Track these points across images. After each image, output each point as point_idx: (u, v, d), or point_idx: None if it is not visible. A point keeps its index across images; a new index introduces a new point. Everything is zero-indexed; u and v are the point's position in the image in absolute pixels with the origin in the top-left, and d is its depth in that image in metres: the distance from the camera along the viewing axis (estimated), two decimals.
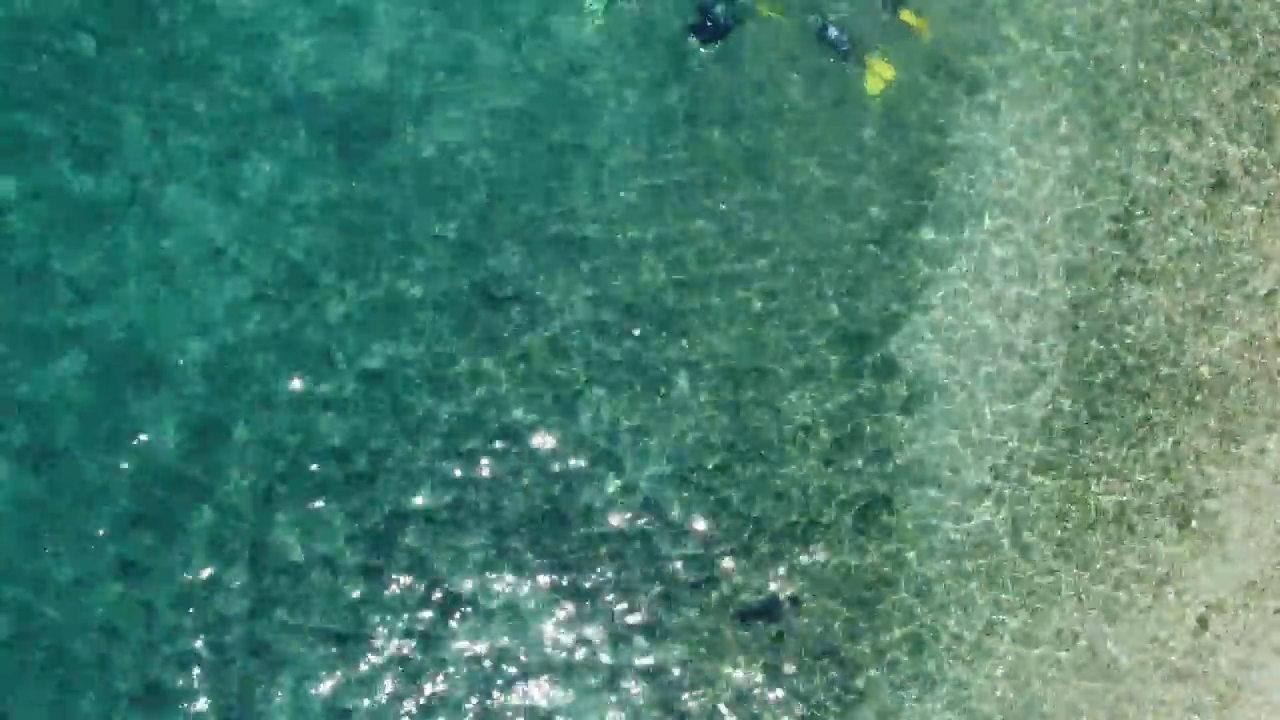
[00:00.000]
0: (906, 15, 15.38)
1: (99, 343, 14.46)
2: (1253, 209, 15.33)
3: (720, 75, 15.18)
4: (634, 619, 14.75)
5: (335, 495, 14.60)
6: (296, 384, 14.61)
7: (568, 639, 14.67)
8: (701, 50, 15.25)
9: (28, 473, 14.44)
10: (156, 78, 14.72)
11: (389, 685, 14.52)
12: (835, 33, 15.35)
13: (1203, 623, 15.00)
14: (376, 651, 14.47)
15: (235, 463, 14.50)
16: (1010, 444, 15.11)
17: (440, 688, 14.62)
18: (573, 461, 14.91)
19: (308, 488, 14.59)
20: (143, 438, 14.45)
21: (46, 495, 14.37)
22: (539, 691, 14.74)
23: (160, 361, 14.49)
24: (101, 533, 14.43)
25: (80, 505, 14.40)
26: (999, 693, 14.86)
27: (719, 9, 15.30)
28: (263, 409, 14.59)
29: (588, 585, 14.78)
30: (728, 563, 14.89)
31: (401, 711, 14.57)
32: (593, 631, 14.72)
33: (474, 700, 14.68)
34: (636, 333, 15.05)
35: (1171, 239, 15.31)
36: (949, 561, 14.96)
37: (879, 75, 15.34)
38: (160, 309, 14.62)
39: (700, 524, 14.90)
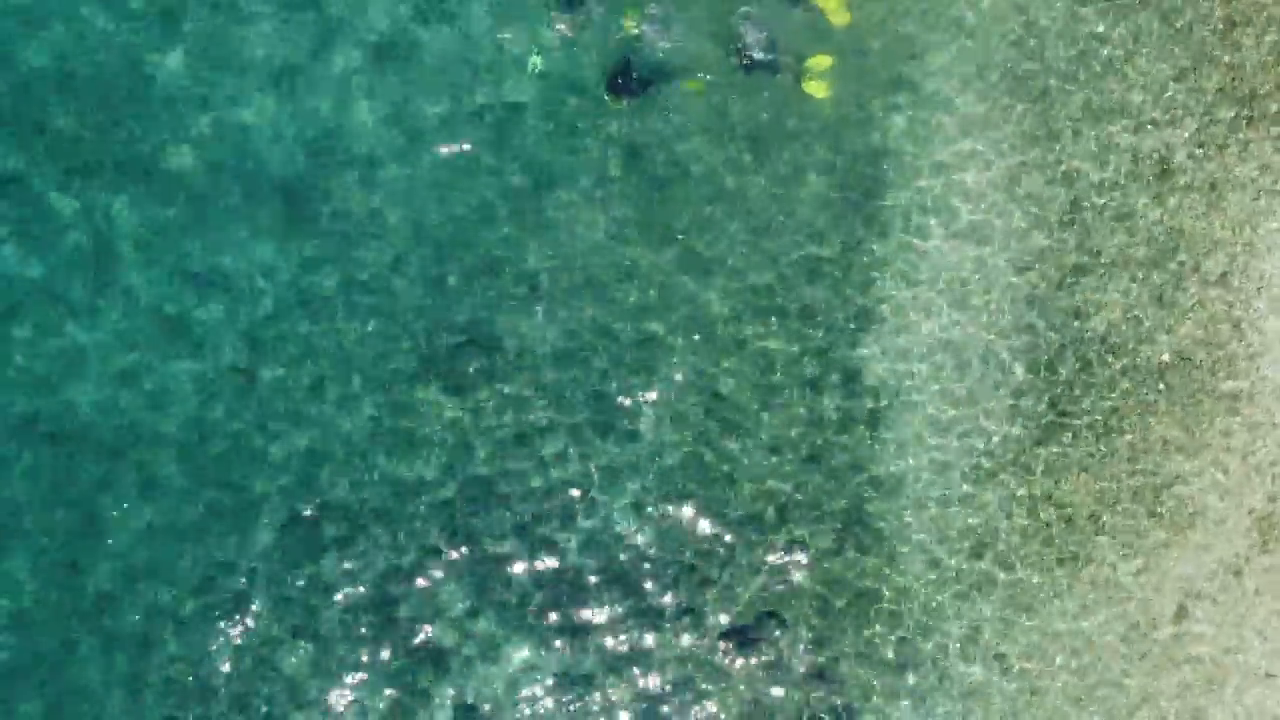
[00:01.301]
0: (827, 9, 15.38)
1: (59, 427, 14.54)
2: (1199, 193, 15.31)
3: (658, 105, 15.17)
4: (621, 649, 14.88)
5: (309, 553, 14.79)
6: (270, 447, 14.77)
7: (557, 674, 14.84)
8: (618, 105, 15.24)
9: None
10: (97, 152, 14.78)
11: None
12: (757, 34, 15.39)
13: (1183, 610, 15.06)
14: (360, 699, 14.68)
15: (212, 525, 14.71)
16: (979, 448, 15.13)
17: None
18: (545, 502, 15.04)
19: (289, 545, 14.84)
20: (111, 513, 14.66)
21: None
22: None
23: (123, 437, 14.62)
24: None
25: None
26: (989, 695, 14.97)
27: (635, 67, 15.25)
28: (225, 480, 14.74)
29: (573, 621, 14.88)
30: (708, 589, 14.98)
31: None
32: (582, 665, 14.85)
33: None
34: (597, 369, 15.11)
35: (1121, 228, 15.28)
36: (929, 570, 15.02)
37: (817, 81, 15.37)
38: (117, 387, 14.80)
39: (677, 552, 14.99)
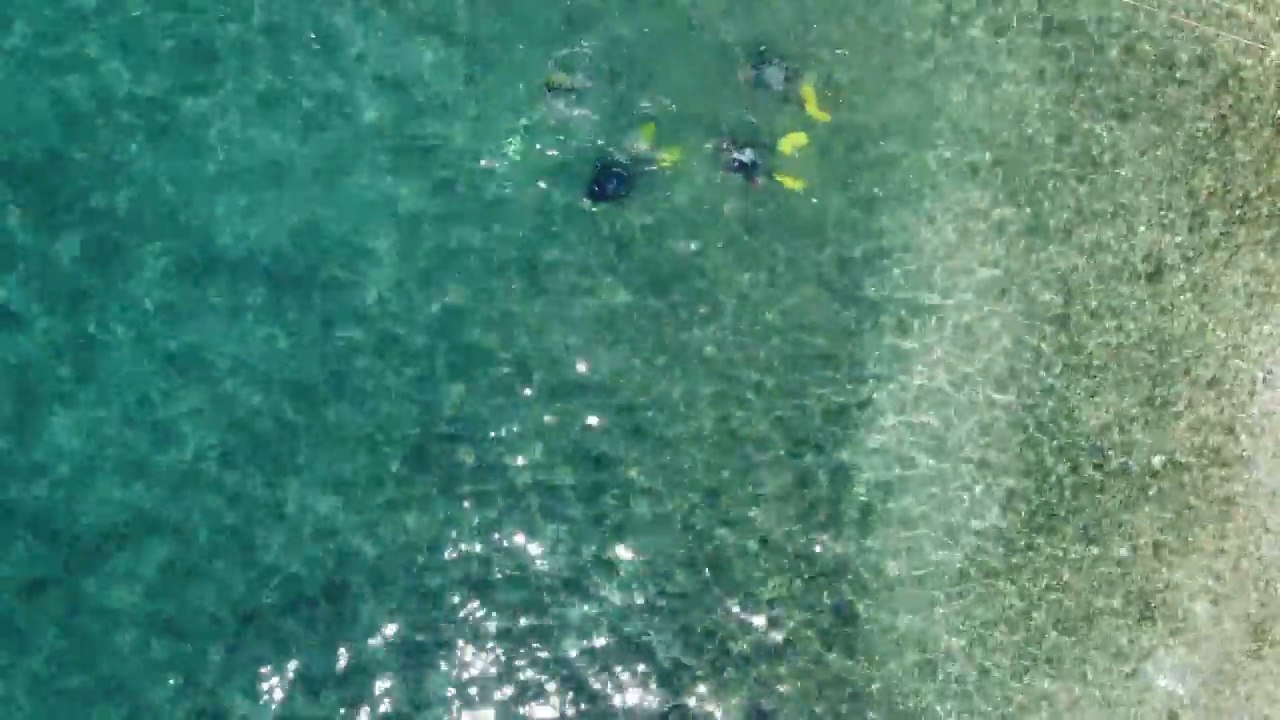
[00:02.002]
0: (810, 106, 15.34)
1: (46, 515, 14.41)
2: (1191, 294, 15.26)
3: (645, 204, 15.10)
4: None
5: (300, 640, 14.66)
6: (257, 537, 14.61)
7: None
8: (594, 210, 15.17)
9: None
10: (80, 239, 14.75)
11: None
12: (749, 154, 15.28)
13: (1174, 717, 14.94)
14: None
15: (199, 604, 14.57)
16: (968, 549, 15.03)
17: None
18: (536, 593, 14.92)
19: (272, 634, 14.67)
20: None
21: None
22: None
23: (103, 526, 14.47)
24: None
25: None
26: None
27: (613, 172, 15.13)
28: (216, 562, 14.58)
29: (560, 716, 14.75)
30: (699, 685, 14.84)
31: None
32: None
33: None
34: (590, 462, 15.01)
35: (1113, 330, 15.23)
36: (917, 671, 14.90)
37: (793, 179, 15.32)
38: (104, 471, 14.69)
39: (666, 647, 14.85)
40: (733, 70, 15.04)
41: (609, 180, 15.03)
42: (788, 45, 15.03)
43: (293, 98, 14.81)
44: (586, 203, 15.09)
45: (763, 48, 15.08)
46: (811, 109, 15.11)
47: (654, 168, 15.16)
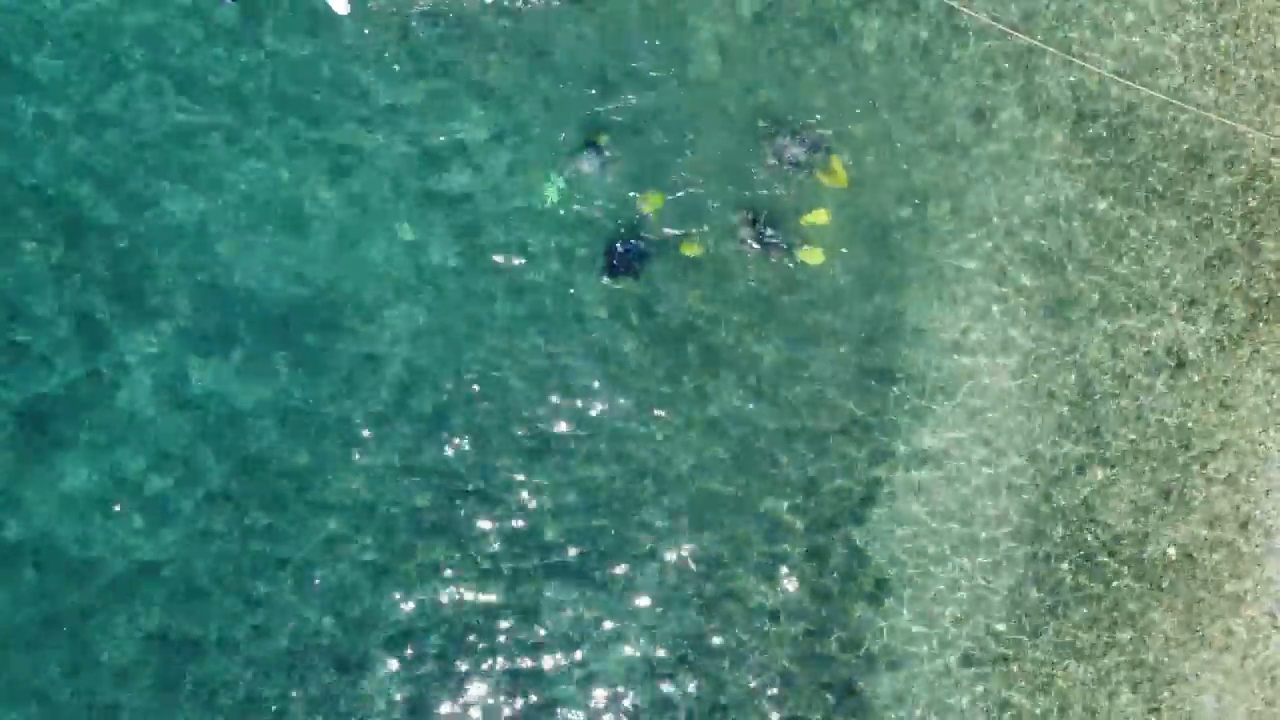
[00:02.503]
0: (824, 175, 15.30)
1: (50, 557, 14.47)
2: (1212, 389, 15.27)
3: (669, 273, 15.13)
4: None
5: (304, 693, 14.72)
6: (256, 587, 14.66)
7: None
8: (615, 285, 15.20)
9: None
10: (102, 283, 14.77)
11: None
12: (770, 233, 15.32)
13: None
14: None
15: (204, 665, 14.60)
16: (980, 631, 15.05)
17: None
18: (538, 656, 14.93)
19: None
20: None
21: None
22: None
23: (109, 567, 14.51)
24: None
25: None
26: None
27: (629, 248, 15.14)
28: (217, 613, 14.63)
29: None
30: None
31: None
32: None
33: None
34: (599, 525, 15.05)
35: (1131, 421, 15.24)
36: None
37: (813, 254, 15.33)
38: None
39: (671, 716, 14.89)
40: (756, 142, 15.08)
41: (626, 256, 15.08)
42: (815, 121, 15.07)
43: (320, 146, 14.91)
44: (606, 280, 15.16)
45: (790, 116, 15.12)
46: (834, 179, 15.16)
47: (671, 243, 15.20)
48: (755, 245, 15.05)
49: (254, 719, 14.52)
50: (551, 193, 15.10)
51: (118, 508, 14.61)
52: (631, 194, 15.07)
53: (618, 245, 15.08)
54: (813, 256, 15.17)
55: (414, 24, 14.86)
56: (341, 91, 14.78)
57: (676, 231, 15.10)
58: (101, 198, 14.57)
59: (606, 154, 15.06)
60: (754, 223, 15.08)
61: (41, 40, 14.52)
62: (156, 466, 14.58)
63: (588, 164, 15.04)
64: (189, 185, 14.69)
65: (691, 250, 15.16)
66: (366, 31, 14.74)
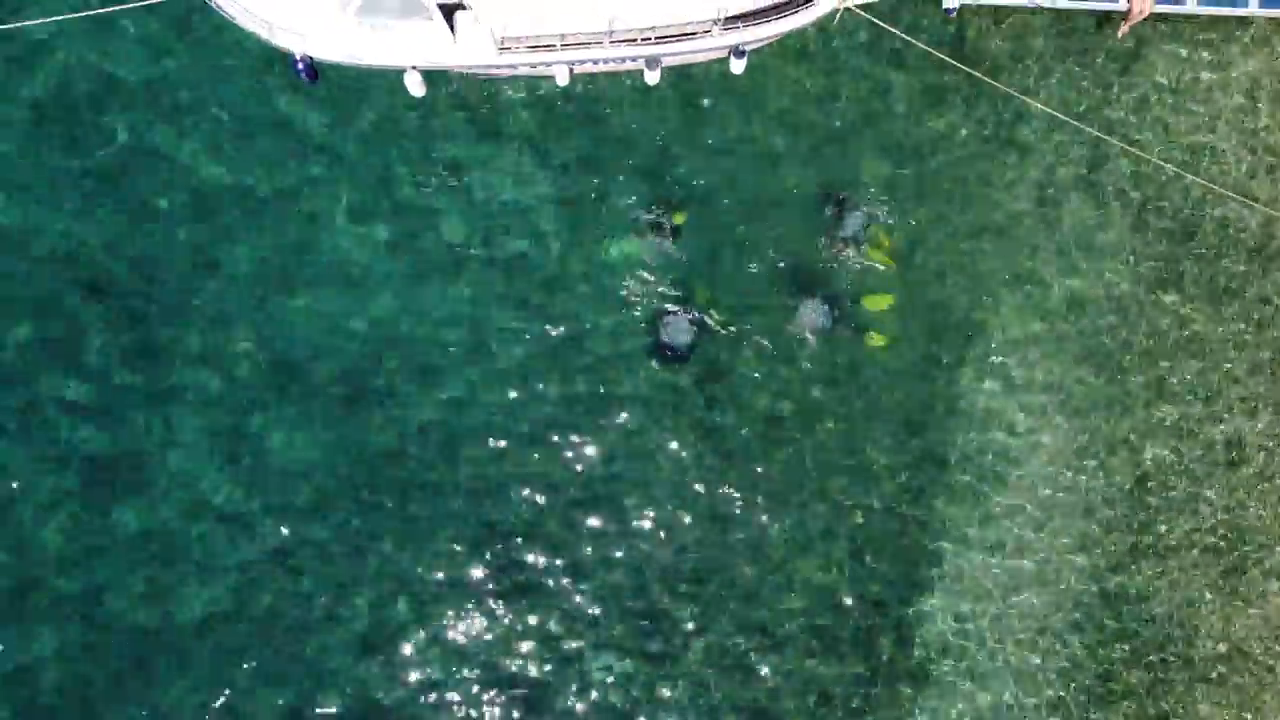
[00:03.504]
0: (873, 253, 15.36)
1: (98, 612, 14.77)
2: (1270, 485, 15.19)
3: (726, 350, 15.28)
4: None
5: None
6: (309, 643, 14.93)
7: None
8: (663, 373, 15.34)
9: None
10: (154, 332, 15.11)
11: None
12: (825, 311, 15.40)
13: None
14: None
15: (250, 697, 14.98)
16: (1027, 714, 15.08)
17: None
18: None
19: None
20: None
21: None
22: None
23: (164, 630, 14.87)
24: None
25: None
26: None
27: (680, 338, 15.31)
28: (272, 665, 14.97)
29: None
30: None
31: None
32: None
33: None
34: (649, 596, 15.22)
35: (1187, 513, 15.20)
36: None
37: (877, 337, 15.40)
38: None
39: None
40: (814, 219, 15.18)
41: (675, 345, 15.25)
42: (871, 195, 15.18)
43: (384, 209, 15.18)
44: (655, 364, 15.30)
45: (843, 196, 15.20)
46: (881, 255, 15.24)
47: (719, 329, 15.32)
48: (814, 322, 15.20)
49: None
50: (614, 250, 15.32)
51: (166, 556, 15.03)
52: (682, 279, 15.31)
53: (665, 335, 15.29)
54: (878, 339, 15.31)
55: (484, 107, 15.20)
56: (409, 163, 15.11)
57: (728, 318, 15.30)
58: (158, 254, 14.96)
59: (668, 233, 15.32)
60: (810, 301, 15.21)
61: (113, 102, 14.93)
62: (203, 517, 14.90)
63: (657, 236, 15.29)
64: (249, 239, 14.98)
65: (729, 323, 15.32)
66: (437, 111, 15.09)
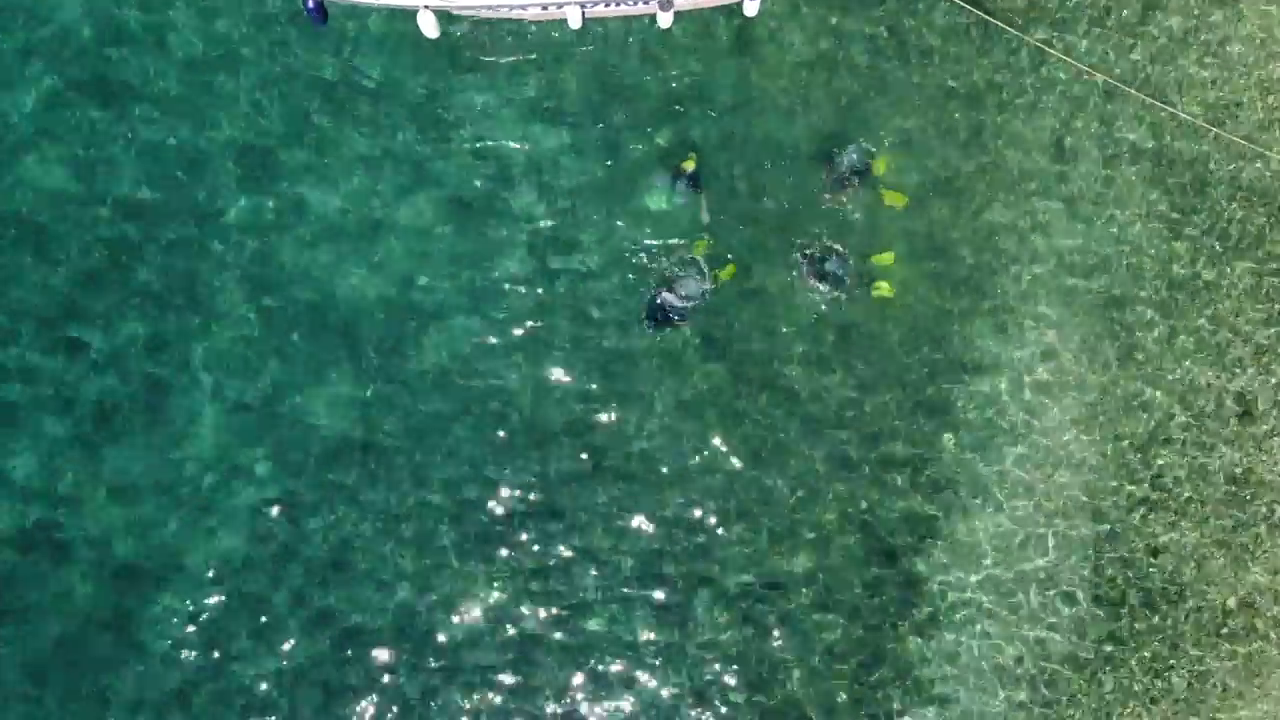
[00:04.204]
0: (886, 194, 15.25)
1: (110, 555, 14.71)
2: (1279, 441, 15.21)
3: (734, 303, 15.18)
4: None
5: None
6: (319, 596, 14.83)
7: None
8: (656, 336, 15.20)
9: None
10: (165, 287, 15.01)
11: None
12: (834, 265, 15.25)
13: None
14: None
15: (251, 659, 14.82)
16: (1033, 671, 15.03)
17: None
18: (590, 680, 15.05)
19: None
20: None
21: None
22: None
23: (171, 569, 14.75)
24: None
25: None
26: None
27: (670, 303, 15.11)
28: (271, 621, 14.87)
29: None
30: None
31: None
32: None
33: None
34: (656, 550, 15.11)
35: (1198, 468, 15.15)
36: None
37: (882, 292, 15.33)
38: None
39: None
40: (820, 169, 15.09)
41: (668, 306, 15.07)
42: (888, 150, 15.09)
43: (391, 162, 15.05)
44: (648, 327, 15.18)
45: (851, 145, 15.04)
46: (893, 196, 15.12)
47: (711, 286, 15.15)
48: (820, 276, 15.07)
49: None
50: (655, 200, 15.15)
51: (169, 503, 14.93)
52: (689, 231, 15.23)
53: (657, 298, 15.11)
54: (883, 291, 15.22)
55: (493, 45, 15.03)
56: (419, 109, 14.99)
57: (715, 273, 15.12)
58: (168, 199, 14.86)
59: (682, 183, 15.20)
60: (814, 255, 15.13)
61: (119, 48, 14.79)
62: (210, 466, 14.83)
63: (678, 185, 15.13)
64: (257, 190, 14.90)
65: (726, 275, 15.14)
66: (449, 52, 14.95)
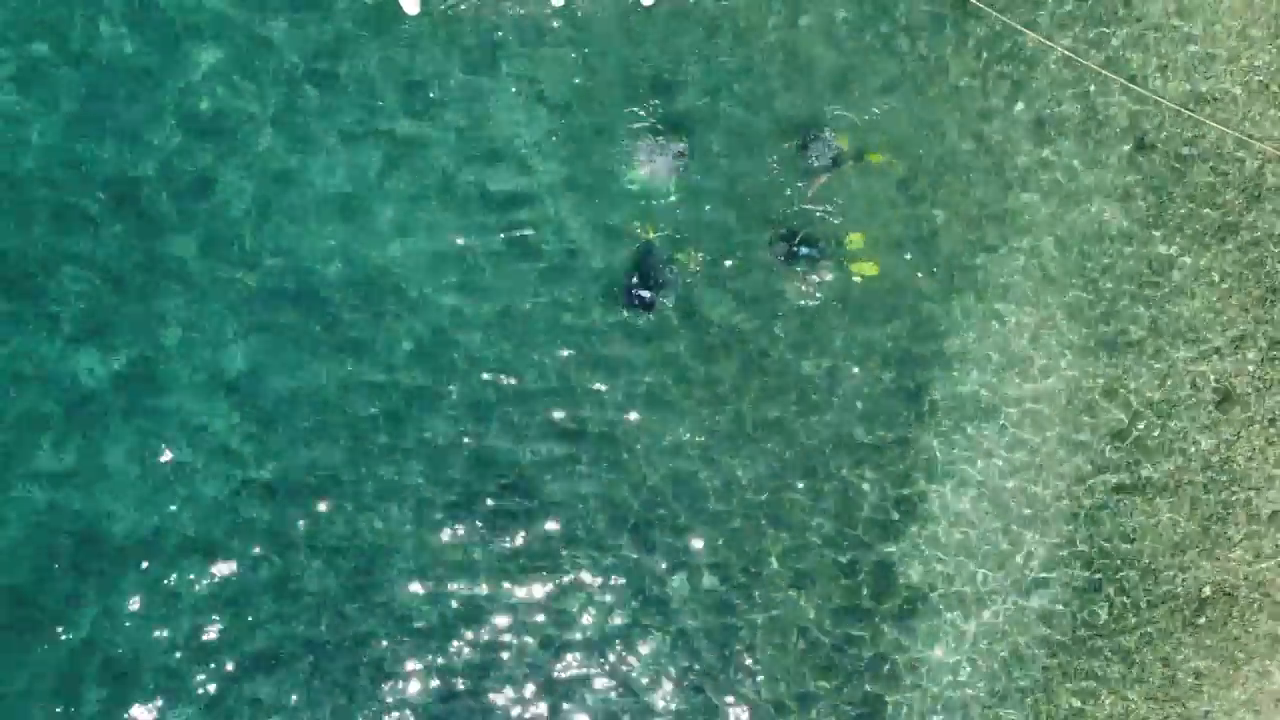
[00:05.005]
0: (857, 267, 15.25)
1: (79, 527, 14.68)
2: (1258, 426, 15.10)
3: (711, 286, 15.14)
4: None
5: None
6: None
7: None
8: (633, 319, 15.17)
9: None
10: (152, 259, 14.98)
11: None
12: (806, 249, 15.29)
13: None
14: None
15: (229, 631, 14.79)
16: (1006, 657, 14.97)
17: None
18: (565, 660, 15.01)
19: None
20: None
21: None
22: None
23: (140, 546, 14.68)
24: None
25: None
26: None
27: (647, 287, 15.11)
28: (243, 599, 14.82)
29: None
30: None
31: None
32: None
33: None
34: (631, 527, 15.08)
35: (1174, 453, 15.10)
36: None
37: (864, 266, 15.30)
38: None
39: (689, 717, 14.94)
40: (798, 152, 15.05)
41: (645, 288, 15.04)
42: (862, 134, 15.07)
43: (372, 135, 15.01)
44: (625, 311, 15.16)
45: (827, 127, 15.05)
46: (881, 159, 15.11)
47: (696, 268, 15.16)
48: (795, 258, 15.03)
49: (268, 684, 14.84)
50: (632, 179, 15.12)
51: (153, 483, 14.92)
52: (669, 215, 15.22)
53: (635, 279, 15.11)
54: (868, 268, 15.19)
55: (476, 24, 15.04)
56: (399, 84, 14.97)
57: (678, 258, 15.13)
58: (146, 172, 14.81)
59: (666, 160, 15.18)
60: (789, 239, 15.11)
61: (101, 21, 14.78)
62: (193, 445, 14.78)
63: (653, 157, 15.12)
64: (243, 164, 14.85)
65: (688, 260, 15.13)
66: (430, 29, 14.95)
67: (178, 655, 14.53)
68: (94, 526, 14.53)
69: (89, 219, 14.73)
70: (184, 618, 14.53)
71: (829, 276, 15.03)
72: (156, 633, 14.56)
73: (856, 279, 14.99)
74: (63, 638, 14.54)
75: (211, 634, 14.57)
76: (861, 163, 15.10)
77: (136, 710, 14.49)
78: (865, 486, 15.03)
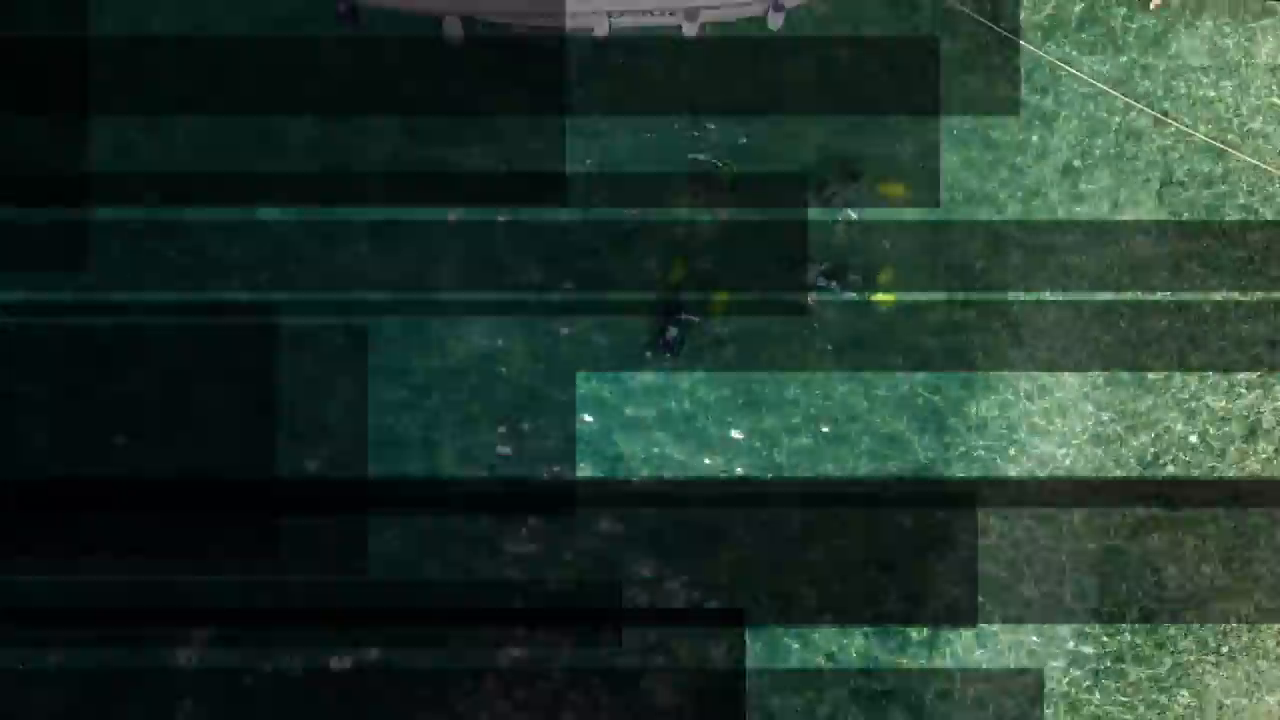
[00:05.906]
0: (880, 295, 15.41)
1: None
2: None
3: (744, 320, 15.29)
4: None
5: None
6: None
7: None
8: (655, 361, 15.25)
9: None
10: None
11: None
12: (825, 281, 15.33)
13: None
14: None
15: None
16: (1035, 681, 15.10)
17: None
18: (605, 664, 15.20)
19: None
20: None
21: None
22: None
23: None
24: None
25: None
26: None
27: (672, 331, 15.17)
28: None
29: None
30: None
31: None
32: None
33: None
34: (659, 554, 15.19)
35: (1201, 485, 15.30)
36: None
37: (886, 298, 15.44)
38: None
39: None
40: (825, 186, 15.16)
41: (671, 333, 15.12)
42: (893, 168, 15.21)
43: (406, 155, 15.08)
44: (649, 355, 15.24)
45: (855, 161, 15.17)
46: (895, 190, 15.23)
47: (700, 317, 15.25)
48: (823, 288, 15.18)
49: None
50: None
51: None
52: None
53: (664, 324, 15.17)
54: (885, 300, 15.31)
55: (516, 53, 15.14)
56: (441, 109, 15.09)
57: (713, 299, 15.25)
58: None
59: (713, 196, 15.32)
60: (821, 274, 15.20)
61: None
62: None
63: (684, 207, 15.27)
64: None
65: (722, 300, 15.29)
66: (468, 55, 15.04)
67: None
68: None
69: None
70: None
71: (858, 306, 15.21)
72: None
73: (882, 308, 15.20)
74: None
75: None
76: (889, 196, 15.32)
77: None
78: (890, 516, 15.14)
